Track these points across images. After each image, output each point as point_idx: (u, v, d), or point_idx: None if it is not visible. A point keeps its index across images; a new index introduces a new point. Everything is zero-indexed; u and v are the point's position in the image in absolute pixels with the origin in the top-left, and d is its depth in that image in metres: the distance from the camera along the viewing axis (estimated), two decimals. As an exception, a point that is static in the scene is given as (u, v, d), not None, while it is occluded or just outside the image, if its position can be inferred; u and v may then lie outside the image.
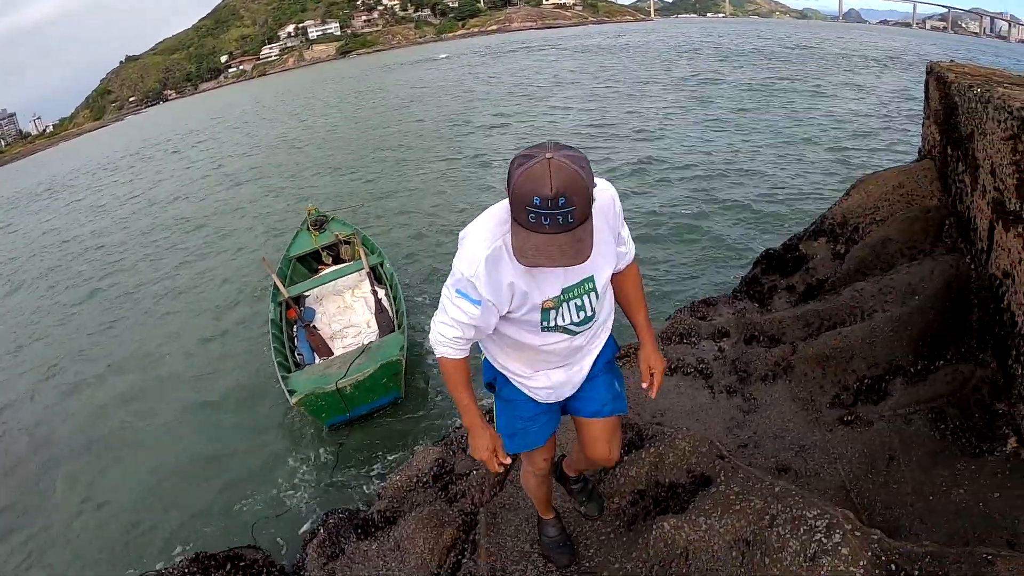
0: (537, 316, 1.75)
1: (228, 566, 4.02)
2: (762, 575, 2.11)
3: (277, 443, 6.26)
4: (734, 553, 2.23)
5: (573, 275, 1.72)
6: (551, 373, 1.99)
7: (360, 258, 8.23)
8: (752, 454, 3.17)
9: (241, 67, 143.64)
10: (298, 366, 6.52)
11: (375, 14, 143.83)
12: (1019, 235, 2.79)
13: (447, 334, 1.79)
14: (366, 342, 6.59)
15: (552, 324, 1.78)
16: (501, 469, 1.98)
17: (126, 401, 7.68)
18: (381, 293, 7.61)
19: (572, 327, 1.81)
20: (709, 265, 8.53)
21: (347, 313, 7.67)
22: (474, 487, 3.82)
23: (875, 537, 2.02)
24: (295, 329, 7.31)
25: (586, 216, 1.46)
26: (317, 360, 6.63)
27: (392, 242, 11.03)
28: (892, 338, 3.56)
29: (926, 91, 5.28)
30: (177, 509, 5.57)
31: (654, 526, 2.50)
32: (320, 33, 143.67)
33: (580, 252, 1.46)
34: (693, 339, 4.66)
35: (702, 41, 43.69)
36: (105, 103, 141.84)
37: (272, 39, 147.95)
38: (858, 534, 2.03)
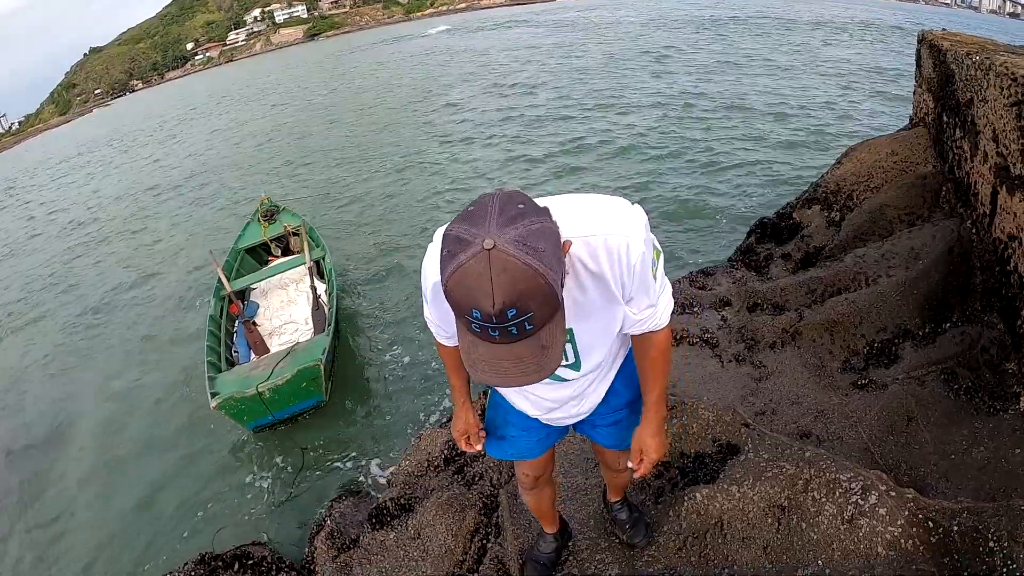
0: None
1: (236, 565, 3.92)
2: (800, 540, 2.15)
3: (241, 444, 6.12)
4: (770, 520, 2.27)
5: None
6: (518, 401, 1.77)
7: (305, 250, 8.08)
8: (772, 421, 3.22)
9: (207, 54, 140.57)
10: (232, 364, 6.45)
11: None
12: (1025, 198, 2.85)
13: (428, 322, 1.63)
14: (302, 340, 6.58)
15: None
16: (471, 451, 1.94)
17: (91, 417, 7.35)
18: (321, 288, 7.48)
19: None
20: (696, 236, 8.54)
21: (289, 308, 7.55)
22: (491, 468, 3.76)
23: (909, 496, 2.07)
24: (236, 325, 7.21)
25: (554, 312, 1.04)
26: (252, 358, 6.56)
27: (341, 237, 10.80)
28: (899, 302, 3.63)
29: (918, 59, 5.32)
30: (152, 523, 5.41)
31: (686, 497, 2.51)
32: (287, 16, 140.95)
33: (544, 365, 1.07)
34: (695, 309, 4.68)
35: (676, 14, 43.43)
36: (71, 97, 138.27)
37: (238, 24, 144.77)
38: (893, 494, 2.08)
